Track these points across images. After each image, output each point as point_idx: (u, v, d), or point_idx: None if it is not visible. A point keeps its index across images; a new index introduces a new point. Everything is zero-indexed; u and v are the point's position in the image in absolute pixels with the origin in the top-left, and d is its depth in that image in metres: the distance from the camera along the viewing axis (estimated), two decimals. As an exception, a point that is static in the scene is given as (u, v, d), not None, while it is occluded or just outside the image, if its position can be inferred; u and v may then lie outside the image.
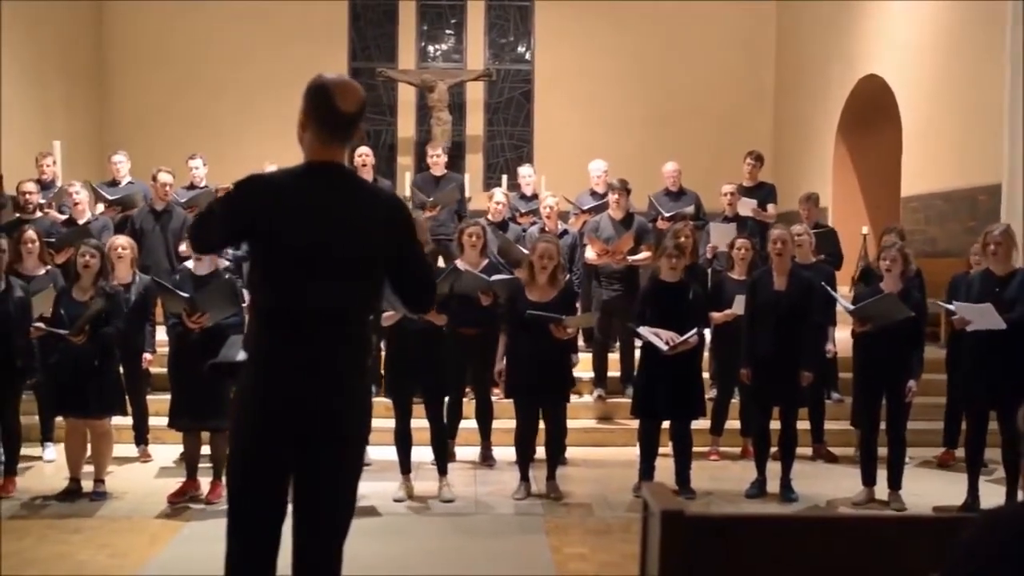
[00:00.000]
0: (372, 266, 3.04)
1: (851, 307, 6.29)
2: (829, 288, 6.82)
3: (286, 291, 2.97)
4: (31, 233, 7.11)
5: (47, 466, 7.06)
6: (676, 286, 6.37)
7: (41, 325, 6.27)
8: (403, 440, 6.32)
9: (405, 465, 6.36)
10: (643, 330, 6.24)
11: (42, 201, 8.67)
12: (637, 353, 6.77)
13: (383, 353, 7.87)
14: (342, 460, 3.04)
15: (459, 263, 6.69)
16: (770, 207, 9.12)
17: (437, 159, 9.53)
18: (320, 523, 3.05)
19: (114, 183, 9.30)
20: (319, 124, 2.93)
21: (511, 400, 6.51)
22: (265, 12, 13.80)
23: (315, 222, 2.95)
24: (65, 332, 6.07)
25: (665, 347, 6.11)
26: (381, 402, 7.56)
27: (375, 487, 6.48)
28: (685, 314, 6.26)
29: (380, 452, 7.16)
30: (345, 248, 2.97)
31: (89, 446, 6.33)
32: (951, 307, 6.27)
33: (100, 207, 8.89)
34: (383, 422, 7.31)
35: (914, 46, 10.31)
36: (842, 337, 7.28)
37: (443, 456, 6.41)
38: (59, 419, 6.60)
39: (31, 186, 8.62)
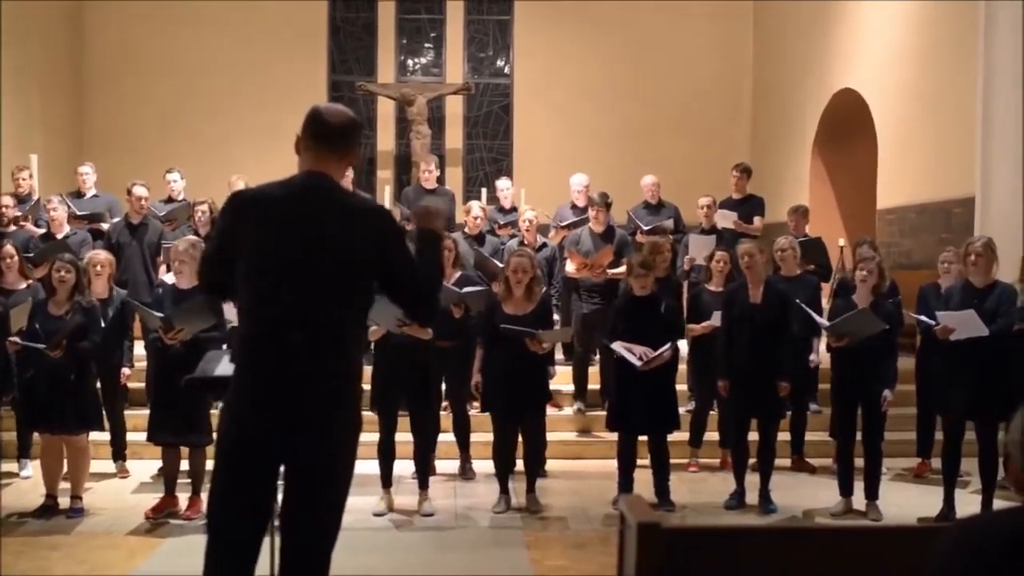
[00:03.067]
0: (357, 276, 3.05)
1: (827, 324, 6.35)
2: (808, 302, 6.86)
3: (270, 302, 3.00)
4: (9, 248, 7.08)
5: (24, 483, 6.99)
6: (647, 300, 6.40)
7: (17, 339, 6.23)
8: (386, 454, 6.31)
9: (386, 479, 6.35)
10: (616, 346, 6.27)
11: (18, 214, 8.63)
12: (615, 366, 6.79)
13: (366, 367, 7.94)
14: (329, 471, 3.06)
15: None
16: (757, 220, 9.17)
17: (429, 174, 9.57)
18: (307, 534, 3.06)
19: (79, 195, 9.24)
20: (308, 136, 3.13)
21: (485, 413, 6.52)
22: (244, 26, 13.77)
23: (297, 232, 3.00)
24: (43, 347, 6.03)
25: (638, 363, 6.14)
26: (363, 416, 7.61)
27: (355, 501, 6.36)
28: (657, 328, 6.29)
29: (360, 466, 7.13)
30: (328, 258, 3.00)
31: (66, 462, 6.28)
32: (924, 319, 6.34)
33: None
34: (363, 435, 7.32)
35: (888, 60, 10.43)
36: (820, 348, 7.33)
37: (425, 470, 6.40)
38: (36, 435, 6.54)
39: (7, 199, 8.58)
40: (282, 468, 3.08)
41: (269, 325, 3.01)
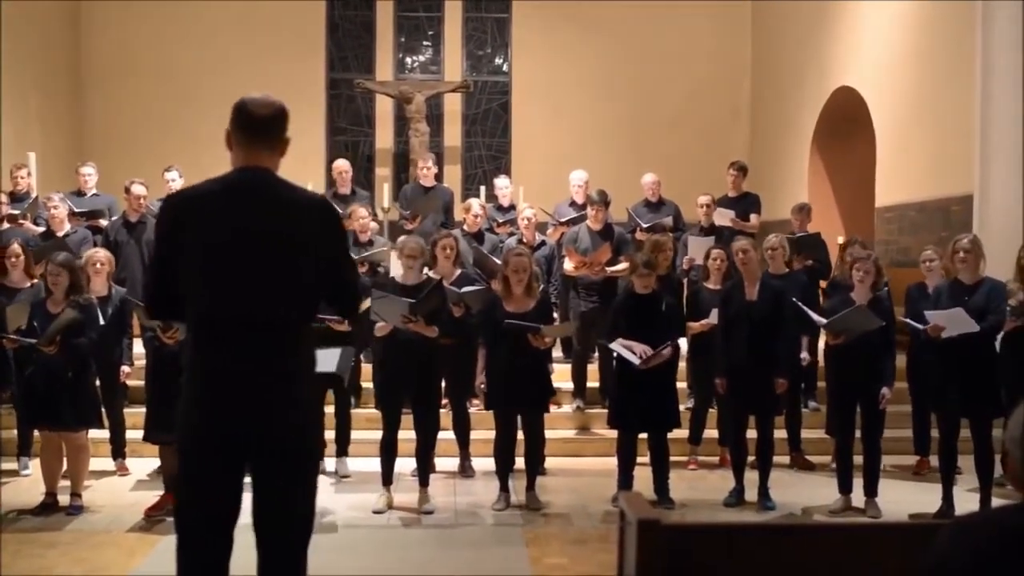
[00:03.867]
0: (301, 271, 2.99)
1: (823, 321, 6.36)
2: (800, 298, 6.86)
3: (213, 301, 2.96)
4: (16, 247, 7.08)
5: (24, 480, 6.99)
6: (649, 298, 6.41)
7: (13, 336, 6.23)
8: (388, 451, 6.32)
9: (387, 476, 6.36)
10: (615, 345, 6.28)
11: (15, 212, 8.62)
12: (615, 364, 6.80)
13: (363, 365, 7.95)
14: (290, 471, 3.01)
15: (432, 273, 6.70)
16: (753, 217, 9.20)
17: (427, 171, 9.56)
18: (273, 536, 3.03)
19: (80, 194, 9.24)
20: (236, 130, 3.05)
21: (489, 411, 6.53)
22: (243, 24, 13.76)
23: (236, 229, 2.94)
24: (34, 341, 6.03)
25: (638, 361, 6.15)
26: (362, 414, 7.63)
27: (355, 499, 6.48)
28: (658, 326, 6.30)
29: (360, 464, 7.17)
30: (270, 254, 2.95)
31: (65, 460, 6.28)
32: (912, 322, 6.37)
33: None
34: (364, 434, 7.35)
35: (887, 59, 10.43)
36: (819, 346, 7.34)
37: (426, 467, 6.41)
38: (36, 433, 6.55)
39: (1, 196, 8.58)
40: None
41: (215, 325, 2.97)
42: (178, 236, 2.99)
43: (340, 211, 3.59)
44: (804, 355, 7.31)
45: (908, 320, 6.54)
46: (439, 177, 13.07)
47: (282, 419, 2.96)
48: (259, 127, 3.04)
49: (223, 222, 2.96)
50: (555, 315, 7.48)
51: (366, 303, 6.68)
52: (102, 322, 6.55)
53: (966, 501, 6.23)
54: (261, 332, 2.94)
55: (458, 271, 6.97)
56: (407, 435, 6.35)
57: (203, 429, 2.97)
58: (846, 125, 11.59)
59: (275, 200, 3.01)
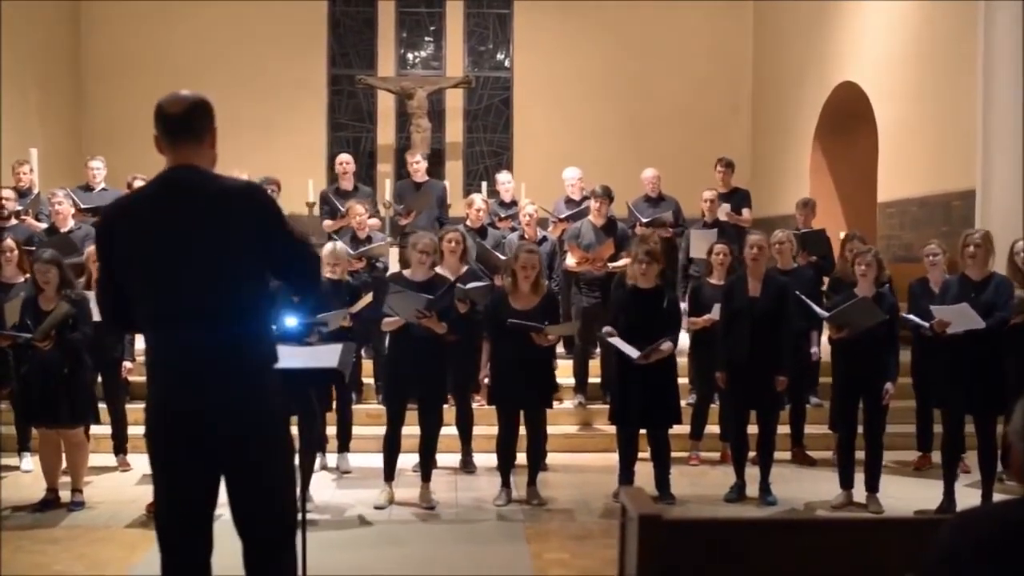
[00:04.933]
0: (241, 262, 3.00)
1: (826, 314, 6.35)
2: (806, 294, 6.85)
3: (156, 301, 3.00)
4: (10, 242, 7.07)
5: (24, 476, 7.00)
6: (651, 293, 6.37)
7: (8, 332, 6.21)
8: (391, 446, 6.32)
9: (389, 472, 6.36)
10: (614, 340, 6.25)
11: (18, 208, 8.62)
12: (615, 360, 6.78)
13: (364, 360, 7.95)
14: (258, 472, 3.03)
15: (439, 270, 6.69)
16: (745, 211, 9.22)
17: (417, 166, 9.55)
18: (254, 533, 3.07)
19: (88, 188, 9.24)
20: (159, 133, 3.07)
21: (491, 407, 6.52)
22: (244, 19, 13.75)
23: (168, 230, 2.96)
24: (28, 336, 6.02)
25: (635, 354, 6.12)
26: (362, 410, 7.63)
27: (356, 494, 6.48)
28: (659, 321, 6.27)
29: (361, 459, 7.16)
30: (205, 249, 2.96)
31: (64, 456, 6.28)
32: (915, 319, 6.34)
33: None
34: (365, 429, 7.35)
35: (888, 53, 10.41)
36: (822, 341, 7.33)
37: (429, 463, 6.41)
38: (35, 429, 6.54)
39: (7, 193, 8.58)
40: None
41: (161, 324, 3.01)
42: (114, 248, 3.05)
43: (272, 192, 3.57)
44: (814, 349, 7.30)
45: (910, 317, 6.51)
46: (440, 173, 13.08)
47: (243, 419, 2.97)
48: (176, 124, 3.04)
49: (152, 225, 2.99)
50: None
51: (364, 300, 6.69)
52: (97, 318, 6.54)
53: (968, 497, 6.22)
54: (205, 324, 2.95)
55: (464, 267, 6.97)
56: (409, 431, 6.35)
57: (167, 432, 3.02)
58: (848, 120, 11.57)
59: (200, 194, 3.00)
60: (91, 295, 6.44)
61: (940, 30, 9.41)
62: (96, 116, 13.74)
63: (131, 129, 13.30)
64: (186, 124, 3.05)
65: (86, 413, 6.28)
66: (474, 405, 7.31)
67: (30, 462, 7.09)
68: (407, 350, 6.20)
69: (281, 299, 5.72)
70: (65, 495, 6.20)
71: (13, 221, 8.44)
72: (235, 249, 2.99)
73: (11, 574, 4.96)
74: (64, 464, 6.31)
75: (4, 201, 8.42)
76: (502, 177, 9.93)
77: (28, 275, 7.10)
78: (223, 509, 3.13)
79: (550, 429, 6.94)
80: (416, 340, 6.13)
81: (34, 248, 7.73)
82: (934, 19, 9.55)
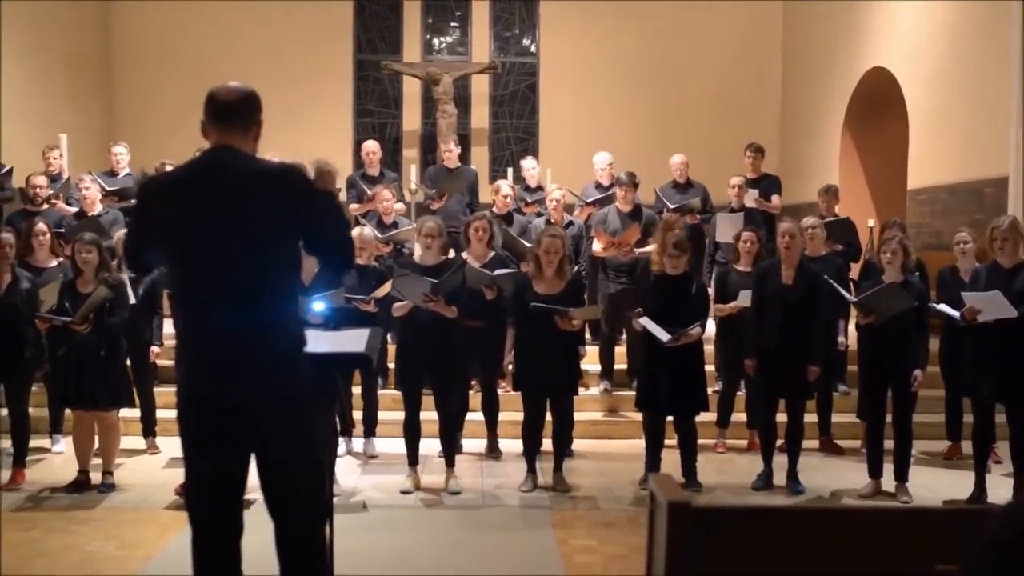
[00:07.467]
0: (275, 241, 3.06)
1: (854, 299, 6.30)
2: (835, 281, 6.80)
3: (187, 277, 3.08)
4: (42, 226, 7.16)
5: (56, 458, 7.09)
6: (680, 280, 6.34)
7: (46, 315, 6.29)
8: (411, 431, 6.34)
9: (413, 457, 6.38)
10: (644, 321, 6.22)
11: (50, 193, 8.72)
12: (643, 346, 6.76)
13: (391, 345, 7.97)
14: (289, 450, 3.08)
15: (465, 256, 6.70)
16: (774, 198, 9.13)
17: (450, 153, 9.58)
18: (285, 513, 3.12)
19: (112, 174, 9.32)
20: (207, 119, 3.17)
21: (517, 392, 6.52)
22: (271, 6, 13.78)
23: (205, 207, 3.03)
24: (68, 319, 6.10)
25: (666, 337, 6.10)
26: (387, 394, 7.66)
27: (382, 480, 6.51)
28: (688, 307, 6.24)
29: (386, 444, 7.20)
30: (240, 228, 3.01)
31: (97, 438, 6.35)
32: (946, 308, 6.27)
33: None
34: (389, 415, 7.38)
35: (920, 39, 10.28)
36: (849, 330, 7.27)
37: (451, 448, 6.42)
38: (68, 411, 6.62)
39: (41, 179, 8.69)
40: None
41: (192, 300, 3.10)
42: (151, 221, 3.16)
43: (307, 170, 3.67)
44: (841, 339, 7.24)
45: (940, 306, 6.44)
46: (466, 159, 13.07)
47: (275, 397, 3.02)
48: (226, 112, 3.14)
49: (187, 203, 3.06)
50: (584, 296, 7.47)
51: (387, 286, 6.69)
52: (133, 301, 6.60)
53: (999, 487, 6.17)
54: (239, 308, 3.00)
55: (491, 254, 6.96)
56: (432, 416, 6.36)
57: (199, 413, 3.05)
58: (878, 106, 11.44)
59: (238, 174, 3.07)
60: (127, 279, 6.54)
61: (973, 15, 9.27)
62: (125, 101, 13.84)
63: (160, 115, 13.46)
64: (235, 112, 3.14)
65: (122, 396, 6.35)
66: (499, 391, 7.32)
67: (62, 444, 7.18)
68: (415, 335, 6.21)
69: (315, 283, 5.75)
70: (96, 477, 6.28)
71: (45, 206, 8.54)
72: (272, 231, 3.04)
73: (43, 553, 5.03)
74: (96, 446, 6.38)
75: (38, 188, 8.54)
76: (527, 163, 9.92)
77: (60, 259, 7.19)
78: (257, 494, 3.16)
79: (576, 416, 6.93)
80: (423, 325, 6.13)
81: (62, 231, 7.82)
82: (967, 3, 9.41)
